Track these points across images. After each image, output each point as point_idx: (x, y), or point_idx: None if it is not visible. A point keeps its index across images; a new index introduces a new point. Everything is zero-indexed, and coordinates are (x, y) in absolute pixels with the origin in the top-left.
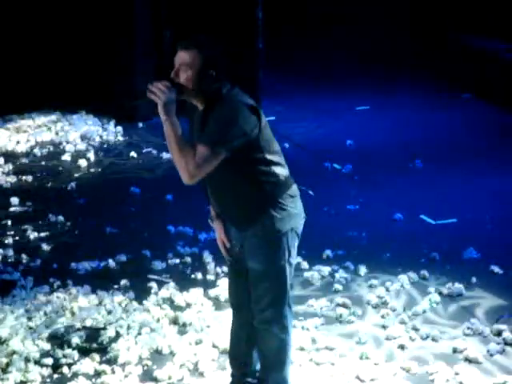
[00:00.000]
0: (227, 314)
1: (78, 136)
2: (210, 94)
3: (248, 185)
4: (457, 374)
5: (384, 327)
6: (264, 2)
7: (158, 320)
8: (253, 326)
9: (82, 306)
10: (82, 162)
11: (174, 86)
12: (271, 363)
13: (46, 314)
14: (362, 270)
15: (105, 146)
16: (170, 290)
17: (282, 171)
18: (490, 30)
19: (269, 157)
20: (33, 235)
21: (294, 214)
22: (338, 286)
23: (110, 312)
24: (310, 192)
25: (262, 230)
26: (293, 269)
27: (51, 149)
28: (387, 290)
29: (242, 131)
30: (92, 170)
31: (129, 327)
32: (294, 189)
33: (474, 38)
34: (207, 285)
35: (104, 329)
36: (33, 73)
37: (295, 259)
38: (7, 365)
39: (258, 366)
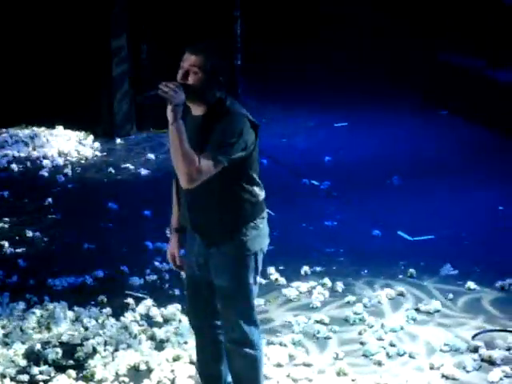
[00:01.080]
0: None
1: (55, 151)
2: (214, 101)
3: (230, 200)
4: None
5: (362, 343)
6: (243, 16)
7: (136, 336)
8: (217, 344)
9: (58, 322)
10: (60, 178)
11: (184, 88)
12: (244, 382)
13: (22, 330)
14: (340, 286)
15: (82, 161)
16: (147, 306)
17: (261, 192)
18: (468, 47)
19: (253, 175)
20: (9, 250)
21: (263, 234)
22: (315, 303)
23: (86, 328)
24: (271, 212)
25: (233, 248)
26: (257, 288)
27: (28, 164)
28: (365, 306)
29: (244, 145)
30: (69, 185)
31: (106, 343)
32: (265, 211)
33: (453, 54)
34: (185, 301)
35: (81, 345)
36: (10, 88)
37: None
38: None
39: (229, 379)
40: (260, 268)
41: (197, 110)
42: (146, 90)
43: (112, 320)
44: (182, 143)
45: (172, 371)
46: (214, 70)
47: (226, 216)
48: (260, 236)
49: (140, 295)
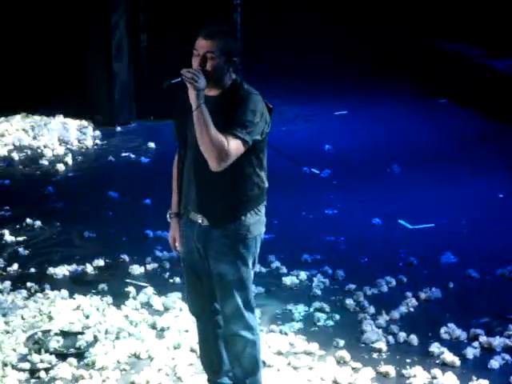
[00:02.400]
0: None
1: (56, 140)
2: (229, 83)
3: (241, 182)
4: (434, 377)
5: (362, 332)
6: (243, 5)
7: (136, 324)
8: (217, 329)
9: (59, 310)
10: (60, 167)
11: (204, 74)
12: (245, 368)
13: (23, 318)
14: (340, 274)
15: (83, 150)
16: (148, 294)
17: (266, 180)
18: (466, 35)
19: (264, 160)
20: (10, 239)
21: (263, 221)
22: (316, 291)
23: (87, 316)
24: None
25: (236, 231)
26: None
27: (29, 153)
28: (365, 294)
29: (264, 125)
30: (70, 174)
31: (107, 332)
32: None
33: (451, 43)
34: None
35: (82, 333)
36: (10, 77)
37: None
38: None
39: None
40: (257, 253)
41: (211, 92)
42: (169, 78)
43: (113, 308)
44: (209, 127)
45: (173, 359)
46: (230, 52)
47: (236, 198)
48: (260, 222)
49: (141, 283)
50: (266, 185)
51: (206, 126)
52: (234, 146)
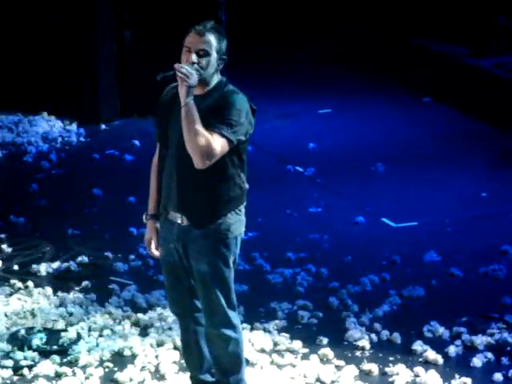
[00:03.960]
0: None
1: (39, 137)
2: (215, 82)
3: (223, 183)
4: (416, 375)
5: (345, 330)
6: (227, 4)
7: (120, 322)
8: (200, 327)
9: (42, 307)
10: (44, 164)
11: (197, 69)
12: (228, 366)
13: (6, 315)
14: (324, 272)
15: (67, 147)
16: (131, 291)
17: (246, 182)
18: (451, 34)
19: (245, 161)
20: None
21: (243, 221)
22: (299, 289)
23: (71, 314)
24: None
25: (217, 231)
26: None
27: (13, 150)
28: (348, 292)
29: (248, 126)
30: (54, 171)
31: (90, 329)
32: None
33: (436, 42)
34: None
35: (65, 330)
36: None
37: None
38: None
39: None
40: (238, 252)
41: (196, 90)
42: (161, 71)
43: (96, 306)
44: (197, 124)
45: (156, 357)
46: (221, 49)
47: (217, 198)
48: (240, 221)
49: (124, 281)
50: (247, 186)
51: (193, 123)
52: (220, 145)
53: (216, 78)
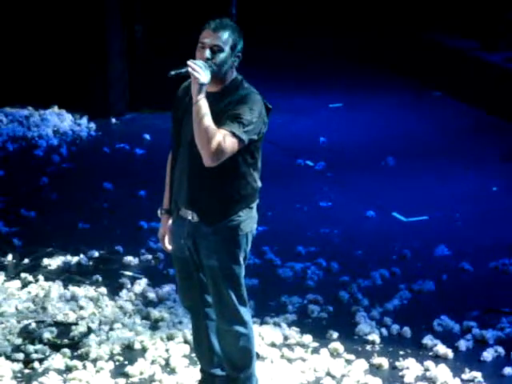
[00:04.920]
0: None
1: (50, 131)
2: (230, 80)
3: (236, 181)
4: (427, 370)
5: (355, 324)
6: None
7: (130, 316)
8: (211, 322)
9: (53, 301)
10: (55, 157)
11: (210, 67)
12: (239, 362)
13: (17, 309)
14: (334, 266)
15: (77, 141)
16: (142, 285)
17: (259, 180)
18: (462, 28)
19: (258, 160)
20: (4, 230)
21: (254, 218)
22: (310, 283)
23: (81, 307)
24: None
25: (228, 228)
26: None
27: (23, 144)
28: (358, 286)
29: (261, 126)
30: (64, 165)
31: (100, 323)
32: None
33: (446, 36)
34: None
35: (75, 324)
36: (5, 67)
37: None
38: None
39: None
40: (248, 249)
41: (211, 87)
42: (173, 68)
43: (107, 299)
44: (207, 122)
45: (166, 350)
46: (236, 46)
47: (228, 196)
48: (251, 218)
49: (135, 275)
50: (260, 184)
51: (203, 120)
52: (230, 144)
53: (231, 76)
